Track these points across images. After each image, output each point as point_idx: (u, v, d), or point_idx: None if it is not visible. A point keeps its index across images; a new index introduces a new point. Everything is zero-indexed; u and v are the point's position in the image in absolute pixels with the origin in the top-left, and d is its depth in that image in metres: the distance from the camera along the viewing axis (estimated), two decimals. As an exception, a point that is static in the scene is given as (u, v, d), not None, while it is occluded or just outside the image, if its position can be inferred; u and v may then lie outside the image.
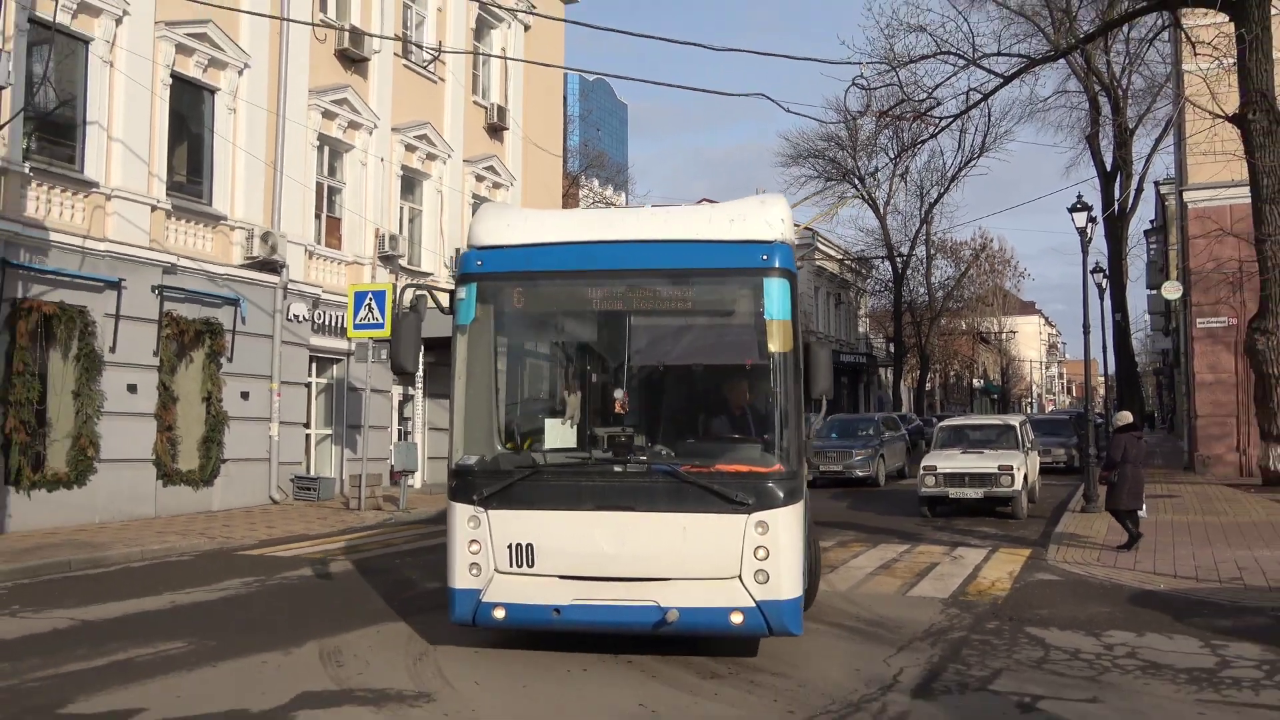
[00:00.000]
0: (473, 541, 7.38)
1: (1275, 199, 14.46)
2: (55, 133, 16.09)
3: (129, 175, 16.76)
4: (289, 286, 19.81)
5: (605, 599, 7.19)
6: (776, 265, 7.47)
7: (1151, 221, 47.28)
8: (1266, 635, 8.41)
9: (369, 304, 18.09)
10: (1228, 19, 13.32)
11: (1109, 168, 37.97)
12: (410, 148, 23.85)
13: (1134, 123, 36.86)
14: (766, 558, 7.08)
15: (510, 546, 7.32)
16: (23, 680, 7.07)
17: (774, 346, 7.44)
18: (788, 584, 7.17)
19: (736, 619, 7.11)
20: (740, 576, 7.09)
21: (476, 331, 7.76)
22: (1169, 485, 22.14)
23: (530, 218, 8.36)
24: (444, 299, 8.05)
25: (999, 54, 18.88)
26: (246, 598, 10.43)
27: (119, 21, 16.61)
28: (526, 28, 27.78)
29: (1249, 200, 15.38)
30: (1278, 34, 14.74)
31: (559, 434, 8.35)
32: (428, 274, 24.23)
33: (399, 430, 23.42)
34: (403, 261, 23.28)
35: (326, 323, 21.10)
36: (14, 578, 11.32)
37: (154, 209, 17.21)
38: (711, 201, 50.87)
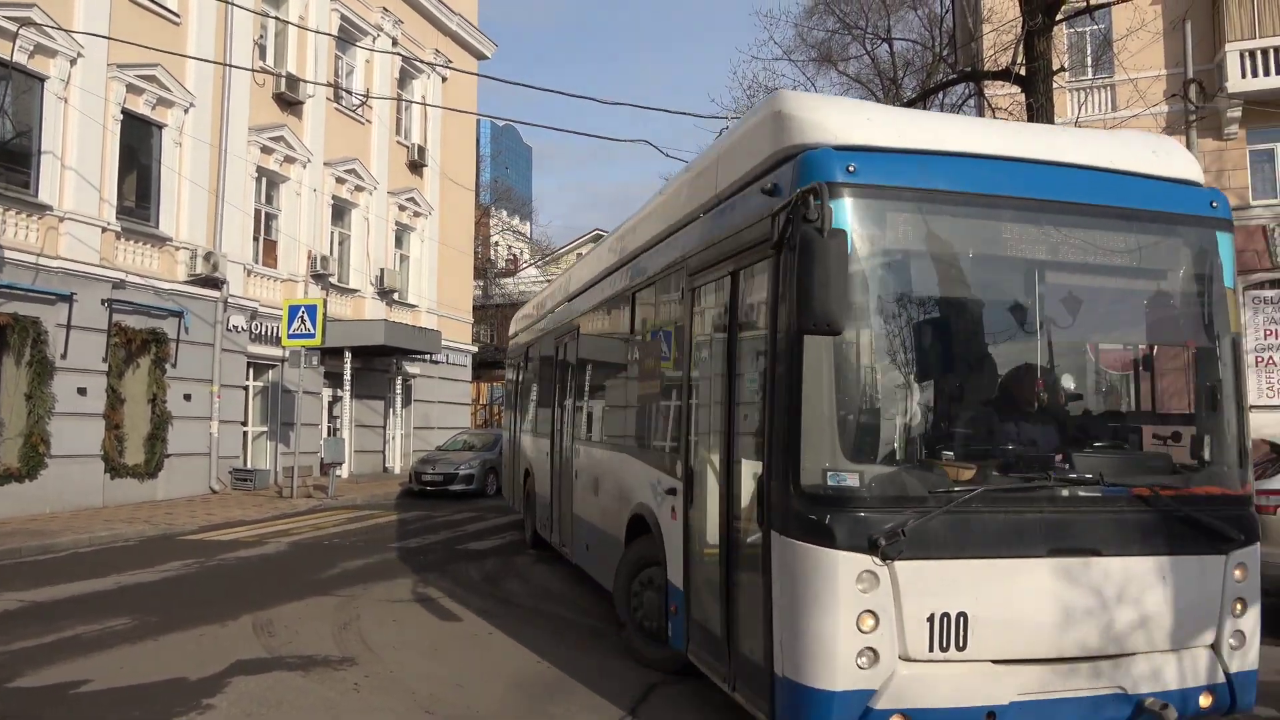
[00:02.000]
0: (865, 614, 4.00)
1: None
2: (12, 160, 15.14)
3: (81, 200, 15.89)
4: (229, 300, 19.11)
5: (1059, 691, 4.20)
6: (1228, 217, 4.82)
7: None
8: None
9: (301, 316, 17.67)
10: (1020, 90, 13.95)
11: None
12: (340, 180, 23.27)
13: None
14: (1243, 613, 4.51)
15: (931, 619, 4.08)
16: (-26, 657, 6.65)
17: (1231, 326, 4.80)
18: (1255, 646, 4.57)
19: (1205, 701, 4.47)
20: (1216, 642, 4.47)
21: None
22: None
23: (886, 111, 4.92)
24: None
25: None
26: (187, 577, 9.99)
27: (73, 62, 15.75)
28: (444, 79, 27.42)
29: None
30: (1059, 103, 15.58)
31: (954, 436, 4.60)
32: (354, 290, 23.70)
33: (329, 427, 22.80)
34: (333, 280, 22.70)
35: (263, 333, 20.42)
36: (-33, 563, 10.62)
37: (104, 230, 16.37)
38: (604, 232, 50.76)
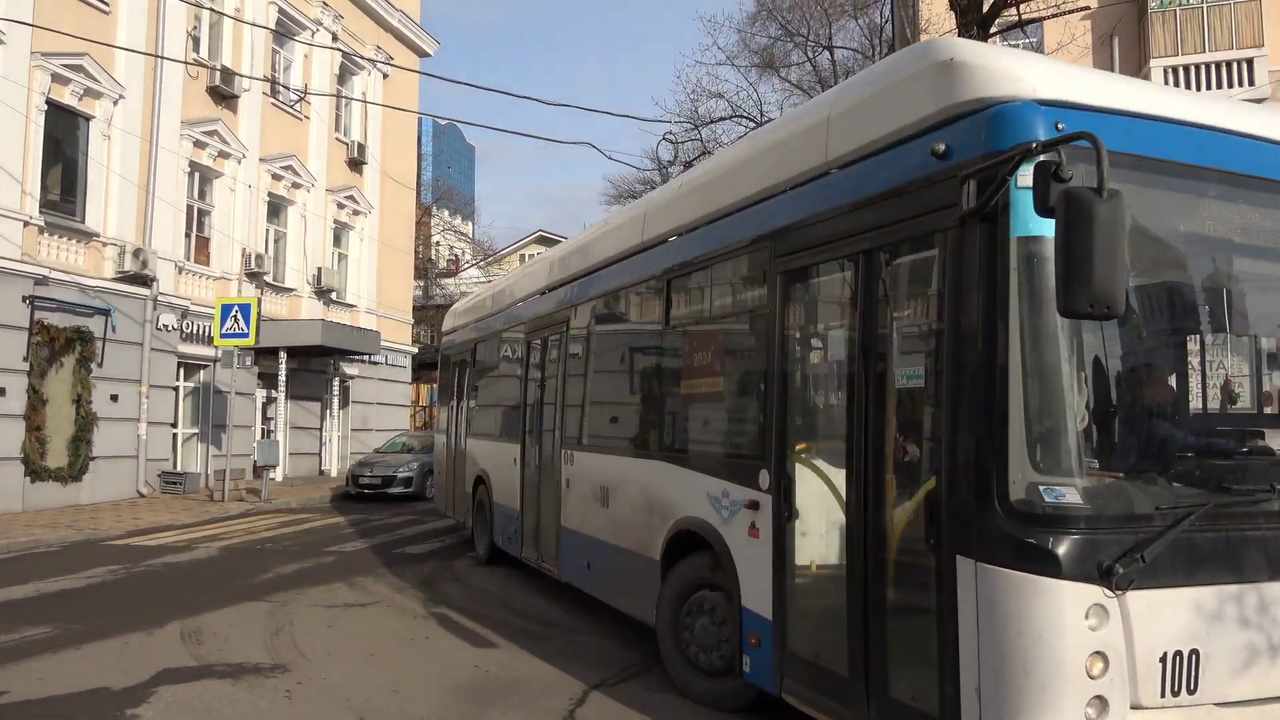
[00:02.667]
0: (1095, 656, 3.40)
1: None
2: (-75, 150, 14.52)
3: (2, 193, 15.30)
4: (159, 299, 18.55)
5: None
6: None
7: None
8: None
9: (235, 315, 17.21)
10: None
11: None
12: (277, 177, 22.78)
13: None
14: None
15: (1164, 659, 3.51)
16: (-119, 669, 6.35)
17: None
18: None
19: None
20: None
21: (1040, 251, 3.49)
22: None
23: (1075, 66, 4.31)
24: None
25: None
26: (112, 584, 9.68)
27: (-7, 49, 15.17)
28: (385, 76, 27.03)
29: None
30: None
31: (1178, 442, 4.07)
32: (291, 289, 23.22)
33: (263, 429, 22.30)
34: (268, 278, 22.20)
35: (195, 332, 19.88)
36: (-126, 571, 10.13)
37: (26, 225, 15.76)
38: (549, 234, 50.31)
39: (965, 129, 3.77)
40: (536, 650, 6.97)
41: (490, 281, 15.59)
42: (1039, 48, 19.92)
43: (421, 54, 29.43)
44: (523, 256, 45.72)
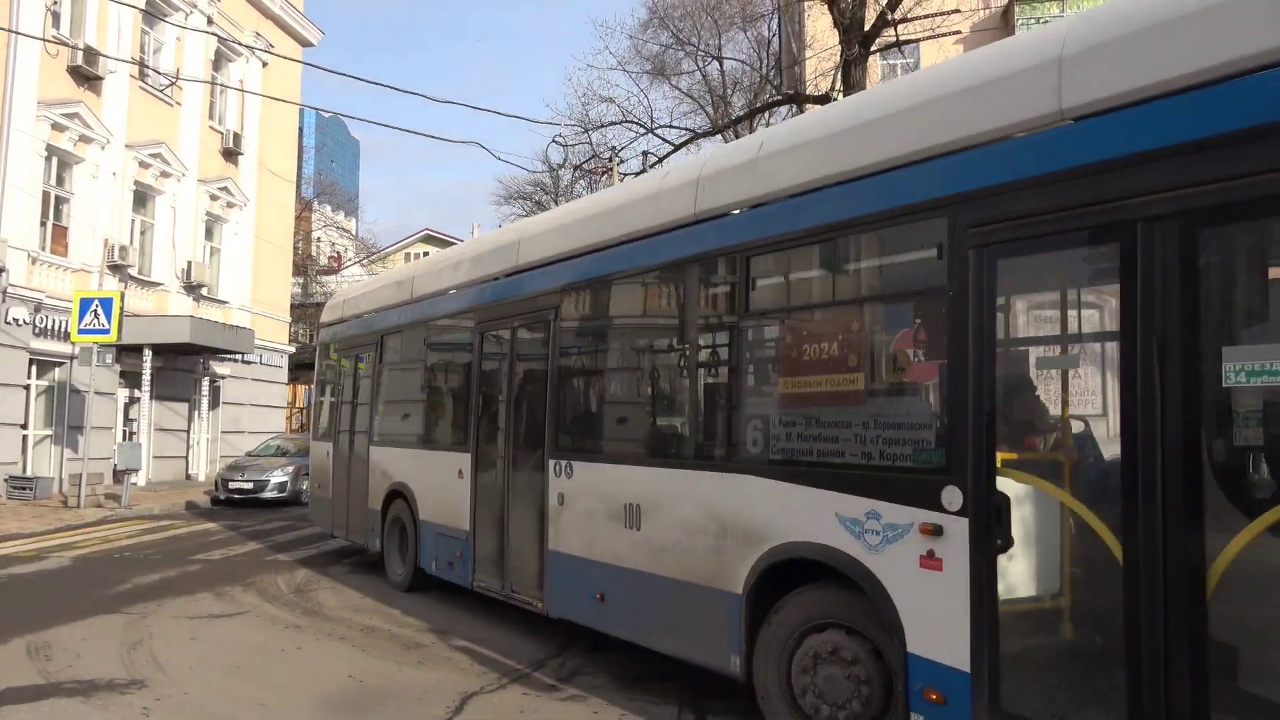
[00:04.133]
0: None
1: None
2: None
3: None
4: (9, 291, 17.32)
5: None
6: None
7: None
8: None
9: (95, 310, 16.24)
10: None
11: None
12: (144, 164, 21.62)
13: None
14: None
15: None
16: None
17: None
18: None
19: None
20: None
21: None
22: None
23: None
24: None
25: (671, 126, 19.96)
26: (-51, 597, 8.97)
27: None
28: (265, 64, 26.03)
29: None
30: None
31: None
32: (158, 283, 22.08)
33: (124, 431, 21.11)
34: (133, 271, 21.05)
35: (49, 327, 18.64)
36: None
37: None
38: (435, 233, 49.31)
39: None
40: (414, 658, 6.84)
41: (379, 273, 13.32)
42: (915, 68, 20.82)
43: (304, 43, 28.47)
44: (408, 255, 44.78)
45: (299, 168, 34.94)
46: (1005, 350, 4.21)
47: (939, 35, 15.97)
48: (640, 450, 6.26)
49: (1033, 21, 21.88)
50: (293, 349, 29.25)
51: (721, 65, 25.18)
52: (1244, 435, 3.38)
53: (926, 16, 14.79)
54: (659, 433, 6.27)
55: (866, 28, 14.49)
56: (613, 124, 19.73)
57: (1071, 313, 4.19)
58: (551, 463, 6.84)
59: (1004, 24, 22.91)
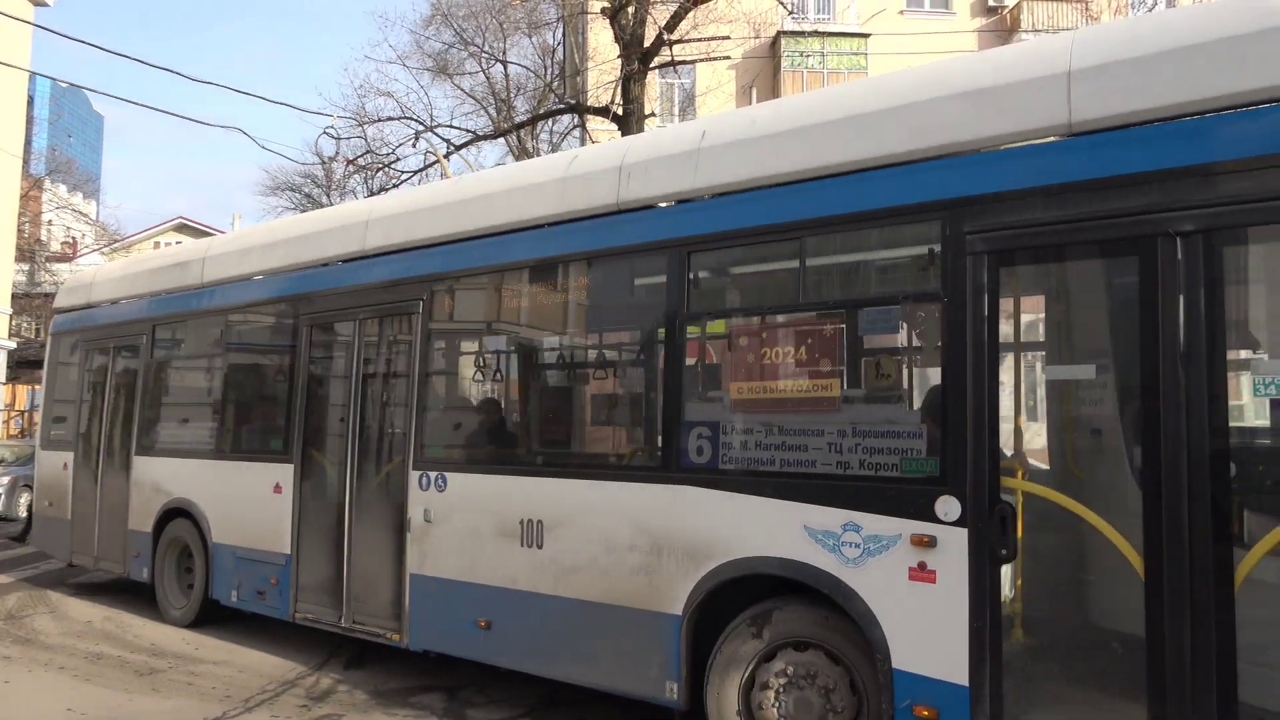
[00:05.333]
0: None
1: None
2: None
3: None
4: None
5: None
6: None
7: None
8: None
9: None
10: (617, 127, 15.14)
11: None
12: None
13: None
14: None
15: None
16: None
17: None
18: None
19: None
20: None
21: None
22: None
23: None
24: None
25: (452, 125, 19.60)
26: None
27: None
28: (-15, 21, 22.96)
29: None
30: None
31: None
32: None
33: None
34: None
35: None
36: None
37: None
38: (191, 222, 45.45)
39: None
40: (148, 685, 6.25)
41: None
42: (691, 89, 21.72)
43: (38, 2, 25.41)
44: (157, 243, 41.06)
45: (26, 140, 31.18)
46: (1006, 358, 4.07)
47: (713, 58, 16.73)
48: (544, 460, 5.84)
49: (797, 54, 23.47)
50: (13, 344, 25.97)
51: (506, 69, 25.05)
52: (1261, 446, 3.58)
53: (701, 40, 15.44)
54: (570, 441, 5.89)
55: (646, 45, 14.94)
56: (390, 119, 19.16)
57: (1074, 321, 4.14)
58: (416, 475, 6.11)
59: (772, 53, 24.37)
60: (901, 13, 25.90)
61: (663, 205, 5.18)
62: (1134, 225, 3.62)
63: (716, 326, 5.11)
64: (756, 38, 22.55)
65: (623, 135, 15.95)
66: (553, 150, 35.05)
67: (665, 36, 14.43)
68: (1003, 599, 3.85)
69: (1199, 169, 3.52)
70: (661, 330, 5.10)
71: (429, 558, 5.99)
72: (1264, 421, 3.67)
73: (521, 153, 36.45)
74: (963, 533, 3.88)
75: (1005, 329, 3.97)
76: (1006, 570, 3.85)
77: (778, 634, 4.45)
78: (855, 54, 24.52)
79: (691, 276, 4.96)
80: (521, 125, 21.55)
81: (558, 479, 5.47)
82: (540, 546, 5.41)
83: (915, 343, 4.37)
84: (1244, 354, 3.68)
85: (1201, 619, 3.38)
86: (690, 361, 5.05)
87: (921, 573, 4.01)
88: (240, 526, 7.50)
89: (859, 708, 4.24)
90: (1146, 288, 3.59)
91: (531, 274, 5.89)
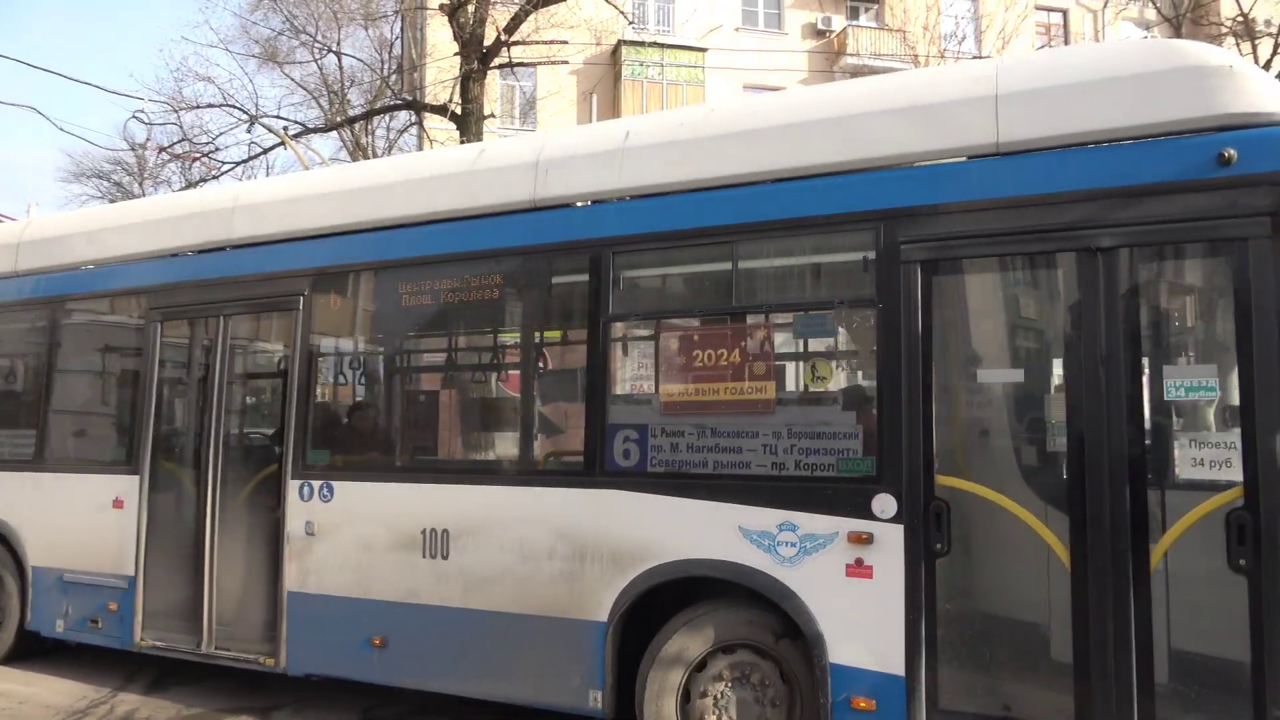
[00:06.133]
0: None
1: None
2: None
3: None
4: None
5: None
6: None
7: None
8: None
9: None
10: (456, 127, 14.87)
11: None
12: None
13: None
14: None
15: None
16: None
17: None
18: None
19: None
20: None
21: None
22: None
23: None
24: None
25: (279, 116, 18.72)
26: None
27: None
28: None
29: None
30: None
31: None
32: None
33: None
34: None
35: None
36: None
37: None
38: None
39: (1261, 142, 3.78)
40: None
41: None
42: (533, 93, 21.65)
43: None
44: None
45: None
46: (940, 362, 4.28)
47: (553, 62, 16.76)
48: (451, 466, 5.70)
49: (637, 64, 23.83)
50: None
51: (340, 61, 24.16)
52: (1171, 443, 3.96)
53: (541, 43, 15.41)
54: (481, 445, 5.71)
55: (486, 45, 14.76)
56: (210, 106, 18.04)
57: (1005, 328, 4.48)
58: (296, 485, 5.69)
59: (613, 61, 24.65)
60: (737, 30, 26.79)
61: (587, 203, 5.13)
62: (1058, 240, 3.98)
63: (645, 328, 5.11)
64: (598, 45, 22.76)
65: (461, 135, 15.70)
66: (389, 147, 34.21)
67: (504, 38, 14.31)
68: (938, 592, 4.04)
69: (1116, 191, 3.90)
70: (584, 330, 5.02)
71: (312, 574, 5.58)
72: (1177, 422, 4.08)
73: (356, 148, 35.27)
74: (899, 529, 4.08)
75: (939, 335, 4.23)
76: (941, 564, 4.05)
77: (712, 635, 4.49)
78: (693, 67, 25.15)
79: (617, 276, 4.91)
80: (355, 119, 20.83)
81: (467, 485, 5.31)
82: (446, 557, 5.18)
83: (850, 346, 4.58)
84: (1156, 360, 4.05)
85: (1121, 602, 3.72)
86: (617, 363, 5.01)
87: (859, 569, 4.16)
88: (69, 547, 6.66)
89: (792, 703, 4.36)
90: (1071, 298, 3.97)
91: (435, 269, 5.54)
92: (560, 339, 5.53)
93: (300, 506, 5.66)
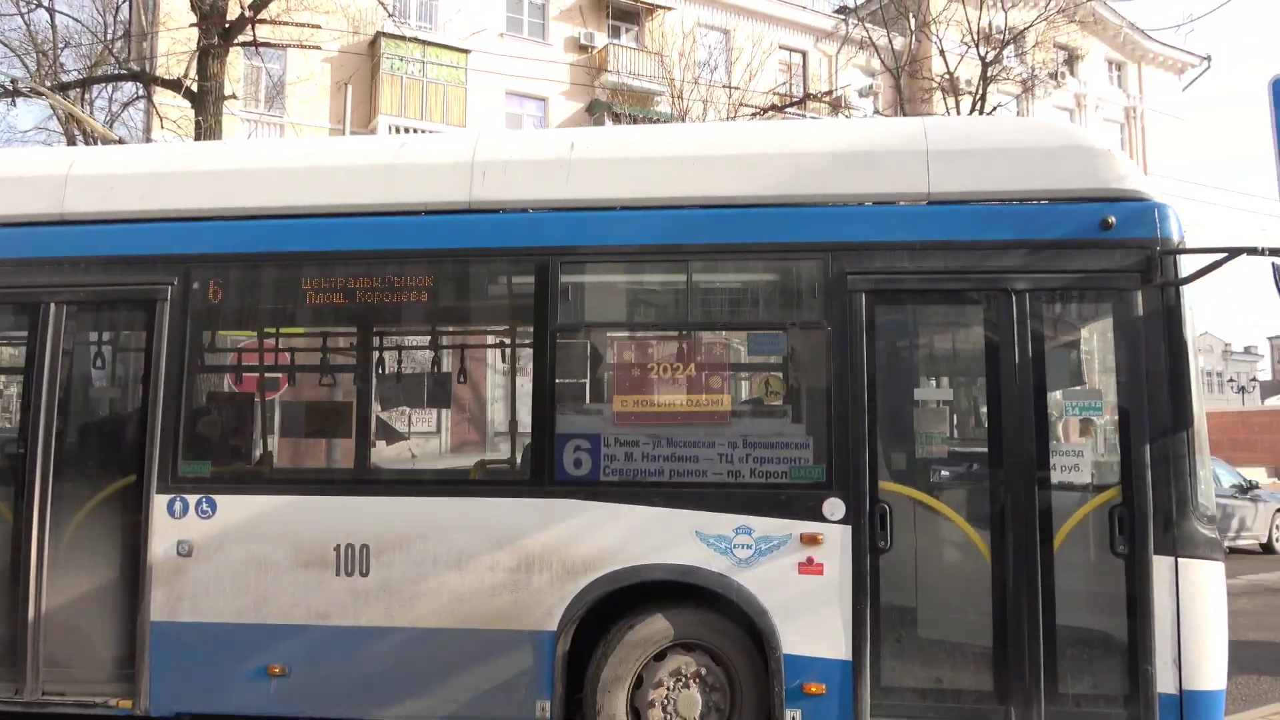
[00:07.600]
0: None
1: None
2: None
3: None
4: None
5: None
6: None
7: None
8: None
9: None
10: (191, 105, 13.65)
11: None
12: None
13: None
14: None
15: None
16: None
17: None
18: None
19: None
20: None
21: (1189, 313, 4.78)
22: None
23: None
24: None
25: (-27, 74, 16.27)
26: None
27: None
28: None
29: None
30: (229, 130, 15.70)
31: None
32: None
33: None
34: None
35: None
36: None
37: None
38: None
39: (1127, 212, 4.64)
40: None
41: None
42: (282, 77, 20.35)
43: None
44: None
45: None
46: (883, 380, 4.79)
47: (305, 46, 15.84)
48: (372, 477, 5.47)
49: (397, 59, 23.07)
50: None
51: (53, 19, 21.49)
52: (1066, 452, 4.73)
53: (290, 24, 14.49)
54: (406, 454, 5.64)
55: (229, 20, 13.67)
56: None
57: (938, 352, 5.17)
58: (165, 500, 5.03)
59: (372, 53, 23.71)
60: (501, 35, 26.65)
61: (530, 210, 5.13)
62: (979, 280, 4.73)
63: (597, 337, 5.24)
64: (355, 34, 21.81)
65: (196, 114, 14.44)
66: (111, 121, 30.90)
67: (247, 15, 13.34)
68: (881, 584, 4.58)
69: (1026, 242, 4.68)
70: (528, 338, 5.12)
71: (186, 600, 5.00)
72: (1072, 434, 5.01)
73: (69, 118, 31.47)
74: (847, 529, 4.58)
75: (882, 356, 4.83)
76: (884, 559, 4.59)
77: (665, 636, 4.72)
78: (455, 67, 24.70)
79: (563, 286, 4.96)
80: (68, 87, 18.60)
81: (395, 497, 5.12)
82: (365, 574, 4.88)
83: (801, 364, 5.02)
84: (1056, 383, 4.89)
85: (1029, 585, 4.46)
86: (567, 373, 5.10)
87: (810, 566, 4.60)
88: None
89: (734, 699, 4.72)
90: (990, 330, 4.71)
91: (350, 265, 5.18)
92: (497, 344, 5.63)
93: (170, 525, 5.04)
